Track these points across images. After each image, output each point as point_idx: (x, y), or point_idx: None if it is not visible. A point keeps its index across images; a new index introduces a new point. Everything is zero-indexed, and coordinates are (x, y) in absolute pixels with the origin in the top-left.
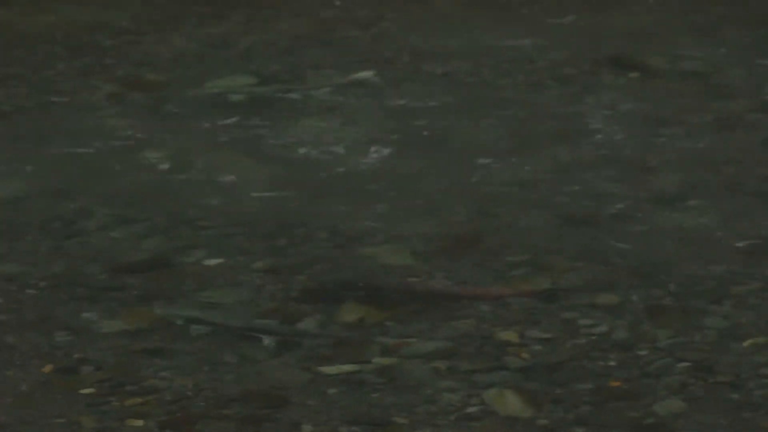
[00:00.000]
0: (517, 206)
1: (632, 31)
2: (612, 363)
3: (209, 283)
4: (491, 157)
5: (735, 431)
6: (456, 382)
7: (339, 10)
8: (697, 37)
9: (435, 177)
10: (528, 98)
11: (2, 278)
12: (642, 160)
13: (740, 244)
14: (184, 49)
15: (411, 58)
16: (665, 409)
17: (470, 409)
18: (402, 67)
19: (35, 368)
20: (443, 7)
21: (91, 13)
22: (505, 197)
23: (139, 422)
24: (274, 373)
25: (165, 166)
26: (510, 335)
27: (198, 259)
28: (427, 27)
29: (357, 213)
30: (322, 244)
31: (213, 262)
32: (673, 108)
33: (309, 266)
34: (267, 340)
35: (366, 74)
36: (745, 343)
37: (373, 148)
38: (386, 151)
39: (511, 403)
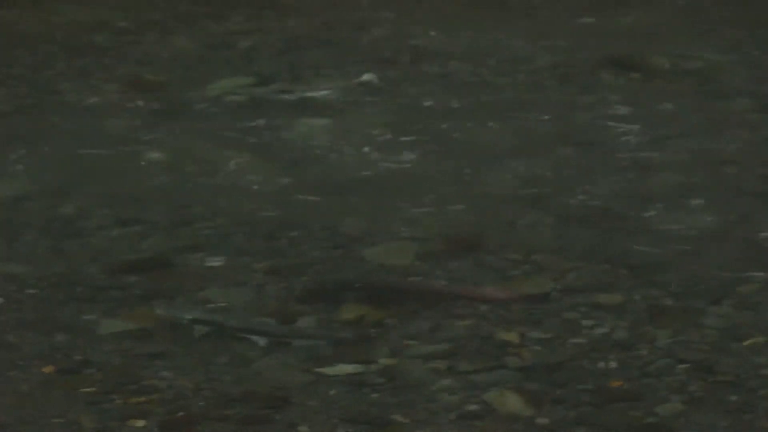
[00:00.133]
0: (518, 206)
1: (633, 31)
2: (612, 363)
3: (210, 283)
4: (491, 157)
5: (735, 431)
6: (456, 383)
7: (339, 10)
8: (697, 37)
9: (435, 177)
10: (528, 98)
11: (2, 278)
12: (642, 160)
13: (740, 244)
14: (184, 49)
15: (411, 58)
16: (665, 410)
17: (470, 409)
18: (402, 67)
19: (35, 368)
20: (443, 7)
21: (91, 13)
22: (506, 197)
23: (140, 422)
24: (275, 374)
25: (165, 166)
26: (510, 335)
27: (198, 259)
28: (427, 27)
29: (357, 213)
30: (322, 244)
31: (213, 262)
32: (674, 108)
33: (309, 266)
34: (262, 342)
35: (368, 77)
36: (745, 343)
37: (372, 149)
38: (386, 152)
39: (512, 403)
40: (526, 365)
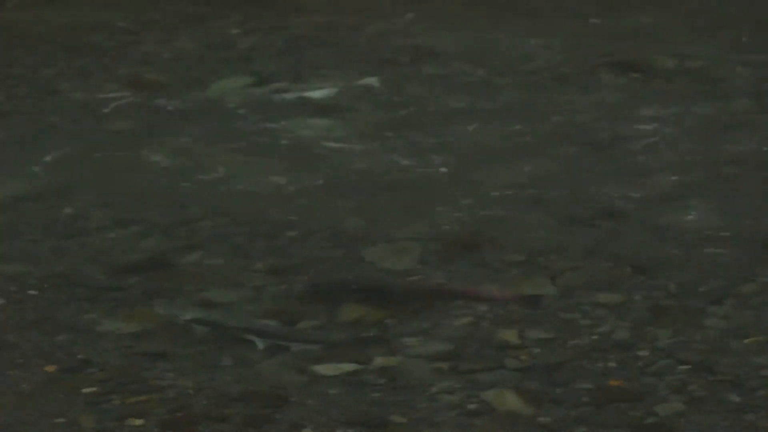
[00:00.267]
0: (518, 206)
1: (633, 31)
2: (612, 363)
3: (210, 283)
4: (491, 157)
5: (735, 431)
6: (456, 383)
7: (339, 10)
8: (697, 36)
9: (435, 177)
10: (528, 98)
11: (3, 278)
12: (642, 160)
13: (740, 244)
14: (184, 49)
15: (411, 58)
16: (666, 409)
17: (470, 409)
18: (402, 67)
19: (36, 368)
20: (443, 7)
21: (91, 13)
22: (506, 197)
23: (140, 422)
24: (275, 374)
25: (165, 166)
26: (510, 335)
27: (198, 259)
28: (427, 27)
29: (357, 213)
30: (322, 244)
31: (213, 262)
32: (674, 108)
33: (309, 267)
34: (262, 344)
35: (369, 80)
36: (746, 342)
37: (372, 149)
38: (386, 152)
39: (512, 403)
40: (526, 365)
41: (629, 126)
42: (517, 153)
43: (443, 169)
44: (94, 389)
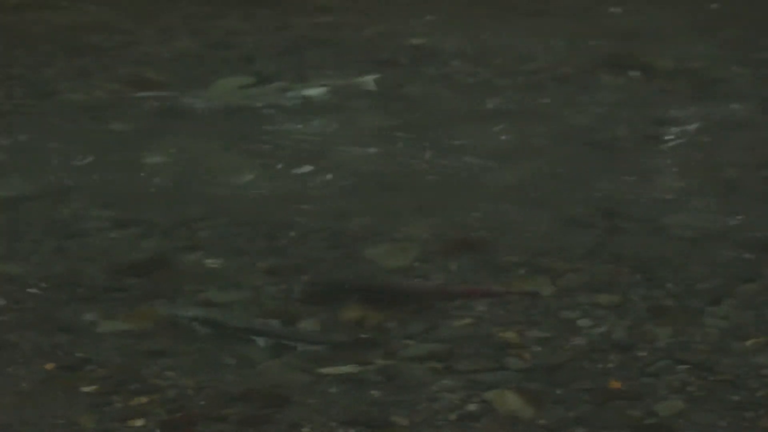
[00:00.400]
0: (518, 206)
1: (632, 31)
2: (612, 363)
3: (210, 283)
4: (491, 157)
5: (735, 431)
6: (456, 383)
7: (340, 11)
8: (697, 36)
9: (435, 177)
10: (528, 98)
11: (3, 278)
12: (642, 160)
13: (740, 244)
14: (184, 49)
15: (411, 58)
16: (665, 409)
17: (470, 410)
18: (402, 67)
19: (36, 368)
20: (444, 7)
21: (91, 13)
22: (506, 197)
23: (140, 422)
24: (275, 373)
25: (165, 166)
26: (510, 335)
27: (198, 259)
28: (427, 27)
29: (357, 213)
30: (322, 244)
31: (213, 262)
32: (673, 108)
33: (309, 267)
34: (263, 343)
35: (367, 78)
36: (746, 343)
37: (372, 149)
38: (386, 152)
39: (511, 404)
40: (526, 365)
41: (629, 126)
42: (517, 153)
43: (443, 170)
44: (94, 389)
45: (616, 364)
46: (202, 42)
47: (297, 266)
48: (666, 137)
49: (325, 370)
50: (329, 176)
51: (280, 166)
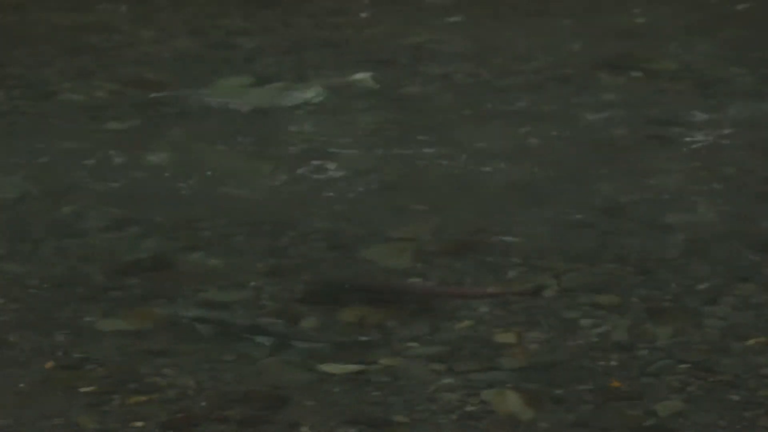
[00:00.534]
0: (517, 207)
1: (632, 31)
2: (612, 363)
3: (210, 283)
4: (491, 156)
5: (735, 431)
6: (456, 383)
7: (340, 11)
8: (697, 36)
9: (434, 177)
10: (528, 98)
11: (3, 278)
12: (642, 160)
13: (740, 244)
14: (184, 49)
15: (410, 58)
16: (665, 410)
17: (470, 410)
18: (401, 67)
19: (36, 368)
20: (444, 7)
21: (91, 13)
22: (506, 198)
23: (140, 423)
24: (275, 373)
25: (165, 166)
26: (510, 336)
27: (198, 259)
28: (427, 27)
29: (357, 214)
30: (322, 244)
31: (213, 262)
32: (674, 108)
33: (309, 267)
34: (267, 341)
35: (363, 75)
36: (746, 343)
37: (372, 149)
38: (385, 152)
39: (511, 404)
40: (526, 365)
41: (629, 126)
42: (517, 153)
43: (443, 169)
44: (93, 388)
45: (616, 364)
46: (202, 42)
47: (297, 266)
48: (666, 137)
49: (325, 370)
50: (329, 176)
51: (280, 166)
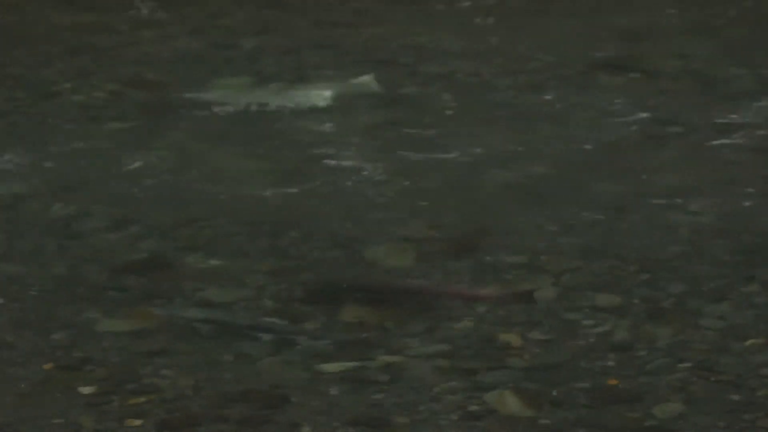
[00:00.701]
0: (517, 207)
1: (632, 31)
2: (612, 363)
3: (210, 283)
4: (491, 156)
5: (734, 431)
6: (456, 383)
7: (340, 11)
8: (696, 36)
9: (435, 177)
10: (528, 98)
11: (3, 278)
12: (642, 160)
13: (740, 244)
14: (185, 49)
15: (411, 58)
16: (665, 410)
17: (470, 410)
18: (402, 67)
19: (36, 368)
20: (444, 7)
21: (91, 13)
22: (505, 198)
23: (139, 422)
24: (275, 372)
25: (165, 166)
26: (510, 336)
27: (198, 259)
28: (427, 27)
29: (357, 214)
30: (322, 244)
31: (213, 262)
32: (673, 108)
33: (310, 267)
34: (267, 338)
35: (365, 78)
36: (746, 343)
37: (372, 149)
38: (385, 152)
39: (512, 404)
40: (527, 366)
41: (629, 126)
42: (517, 153)
43: (443, 169)
44: (93, 388)
45: (616, 364)
46: (202, 42)
47: (297, 266)
48: (666, 137)
49: (325, 369)
50: (330, 176)
51: (280, 166)
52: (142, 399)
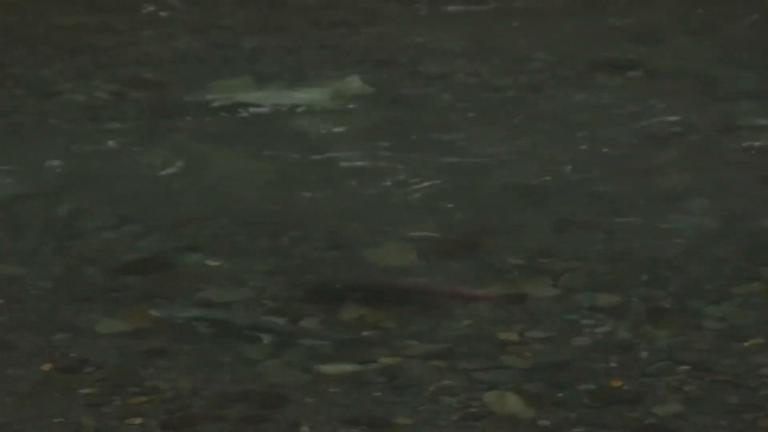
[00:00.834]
0: (517, 207)
1: (632, 31)
2: (612, 364)
3: (209, 283)
4: (491, 157)
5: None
6: (456, 383)
7: (340, 11)
8: (696, 36)
9: (435, 177)
10: (528, 98)
11: (3, 279)
12: (642, 160)
13: (740, 244)
14: (185, 49)
15: (410, 58)
16: (665, 410)
17: (470, 410)
18: (401, 67)
19: (36, 368)
20: (444, 7)
21: (91, 13)
22: (505, 198)
23: (138, 421)
24: (275, 372)
25: (165, 166)
26: (511, 336)
27: (198, 259)
28: (427, 27)
29: (357, 213)
30: (322, 244)
31: (213, 262)
32: (673, 108)
33: (310, 267)
34: (267, 339)
35: (352, 79)
36: (746, 344)
37: (373, 149)
38: (386, 152)
39: (512, 404)
40: (527, 366)
41: (629, 126)
42: (517, 153)
43: (443, 169)
44: (92, 389)
45: (617, 365)
46: (202, 42)
47: (297, 266)
48: (666, 137)
49: (324, 369)
50: (330, 176)
51: (280, 165)
52: (142, 399)
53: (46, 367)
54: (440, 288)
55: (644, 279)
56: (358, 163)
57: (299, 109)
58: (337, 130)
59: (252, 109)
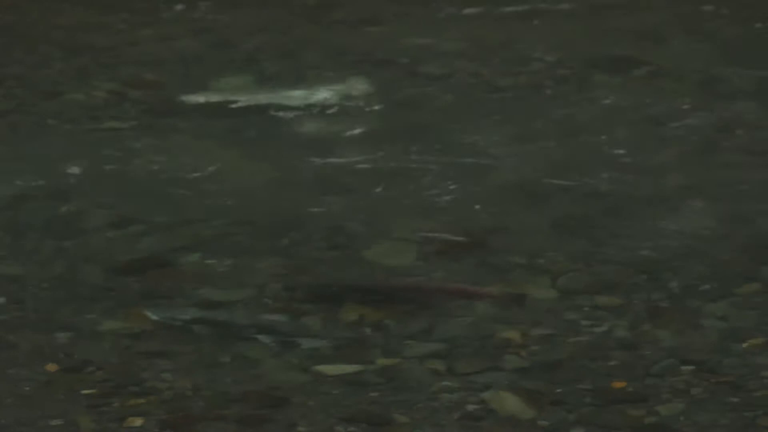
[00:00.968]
0: (518, 206)
1: (632, 30)
2: (613, 364)
3: (209, 283)
4: (491, 157)
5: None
6: (456, 383)
7: (340, 11)
8: (696, 36)
9: (435, 177)
10: (528, 98)
11: (3, 278)
12: (642, 160)
13: (740, 244)
14: (185, 49)
15: (411, 58)
16: (666, 410)
17: (470, 410)
18: (401, 67)
19: (36, 368)
20: (444, 7)
21: (91, 13)
22: (506, 198)
23: (138, 422)
24: (274, 373)
25: (165, 166)
26: (511, 335)
27: (198, 259)
28: (427, 27)
29: (357, 213)
30: (322, 244)
31: (213, 262)
32: (673, 108)
33: (310, 267)
34: (268, 339)
35: (360, 79)
36: (746, 344)
37: (373, 149)
38: (385, 152)
39: (511, 404)
40: (527, 365)
41: (629, 126)
42: (517, 153)
43: (443, 169)
44: (93, 390)
45: (617, 365)
46: (202, 42)
47: (297, 266)
48: (666, 137)
49: (324, 370)
50: (330, 176)
51: (280, 165)
52: (143, 400)
53: (52, 367)
54: (440, 286)
55: (644, 279)
56: (358, 162)
57: (299, 109)
58: (337, 130)
59: (252, 109)
